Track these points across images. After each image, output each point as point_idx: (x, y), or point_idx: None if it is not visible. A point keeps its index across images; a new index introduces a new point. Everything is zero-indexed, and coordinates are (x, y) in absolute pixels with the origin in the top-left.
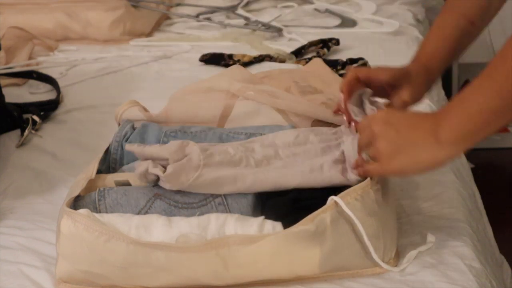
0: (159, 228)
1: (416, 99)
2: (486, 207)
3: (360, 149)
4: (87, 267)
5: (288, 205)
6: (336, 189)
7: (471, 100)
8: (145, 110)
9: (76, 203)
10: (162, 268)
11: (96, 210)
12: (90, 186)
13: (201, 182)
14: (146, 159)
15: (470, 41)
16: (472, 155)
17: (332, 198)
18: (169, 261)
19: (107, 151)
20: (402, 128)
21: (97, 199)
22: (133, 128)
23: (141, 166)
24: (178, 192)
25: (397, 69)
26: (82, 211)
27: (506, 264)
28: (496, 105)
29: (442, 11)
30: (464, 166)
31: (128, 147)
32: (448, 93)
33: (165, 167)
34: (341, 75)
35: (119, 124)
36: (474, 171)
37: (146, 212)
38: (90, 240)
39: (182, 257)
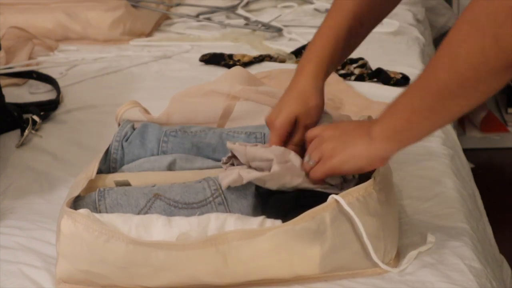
0: (159, 228)
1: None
2: (486, 207)
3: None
4: (87, 267)
5: (290, 203)
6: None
7: (398, 100)
8: (146, 111)
9: (76, 203)
10: (162, 267)
11: (96, 210)
12: (90, 186)
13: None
14: (247, 159)
15: (357, 43)
16: (472, 155)
17: (332, 197)
18: (169, 260)
19: (107, 151)
20: (345, 129)
21: (97, 199)
22: (133, 128)
23: (232, 174)
24: (178, 192)
25: (289, 112)
26: (82, 211)
27: (506, 264)
28: (417, 105)
29: (332, 10)
30: (464, 166)
31: (229, 145)
32: None
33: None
34: (341, 75)
35: (119, 125)
36: (474, 171)
37: (146, 212)
38: (90, 240)
39: (182, 255)
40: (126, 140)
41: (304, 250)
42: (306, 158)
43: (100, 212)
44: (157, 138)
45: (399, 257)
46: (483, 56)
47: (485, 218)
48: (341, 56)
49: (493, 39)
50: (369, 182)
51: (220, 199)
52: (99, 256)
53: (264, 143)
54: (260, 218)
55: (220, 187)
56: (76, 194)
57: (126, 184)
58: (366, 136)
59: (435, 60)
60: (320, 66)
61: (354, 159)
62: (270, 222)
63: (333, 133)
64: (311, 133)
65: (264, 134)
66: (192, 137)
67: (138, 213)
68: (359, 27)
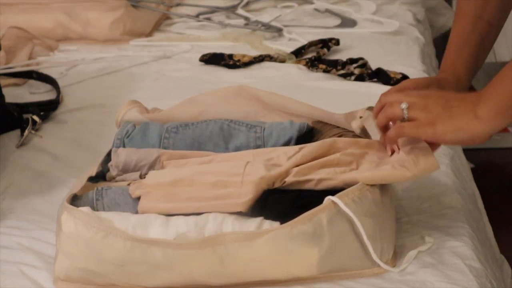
0: (156, 228)
1: None
2: (486, 207)
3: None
4: (85, 264)
5: (289, 204)
6: (335, 191)
7: (507, 76)
8: (146, 109)
9: (73, 202)
10: (159, 265)
11: (94, 209)
12: (90, 188)
13: None
14: None
15: (491, 42)
16: (472, 155)
17: (329, 198)
18: (166, 258)
19: (109, 154)
20: (450, 98)
21: (94, 198)
22: (134, 126)
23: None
24: None
25: (426, 78)
26: (83, 208)
27: (506, 264)
28: None
29: (457, 17)
30: (464, 166)
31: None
32: None
33: None
34: (341, 75)
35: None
36: (474, 171)
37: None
38: (88, 237)
39: (179, 254)
40: (128, 137)
41: (301, 252)
42: (403, 106)
43: (97, 211)
44: (159, 134)
45: (396, 257)
46: None
47: (485, 218)
48: (476, 61)
49: None
50: (362, 184)
51: None
52: (97, 254)
53: (264, 137)
54: (258, 220)
55: None
56: (76, 190)
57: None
58: (471, 112)
59: None
60: (455, 75)
61: (459, 132)
62: (268, 224)
63: (433, 99)
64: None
65: (263, 129)
66: (193, 129)
67: (136, 213)
68: (488, 27)
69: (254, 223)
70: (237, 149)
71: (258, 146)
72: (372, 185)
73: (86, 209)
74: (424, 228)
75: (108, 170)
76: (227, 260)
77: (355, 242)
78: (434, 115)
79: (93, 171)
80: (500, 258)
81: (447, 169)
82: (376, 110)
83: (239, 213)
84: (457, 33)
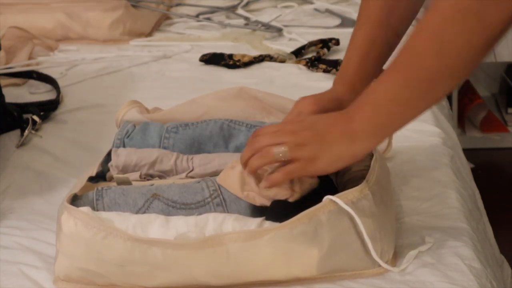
0: (156, 228)
1: None
2: (486, 207)
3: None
4: (85, 264)
5: (290, 206)
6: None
7: (379, 92)
8: (146, 109)
9: (73, 202)
10: (159, 265)
11: (94, 209)
12: (90, 188)
13: None
14: None
15: (391, 53)
16: (472, 155)
17: (328, 197)
18: (166, 259)
19: (109, 154)
20: (320, 128)
21: (94, 199)
22: (134, 126)
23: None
24: (176, 192)
25: (326, 99)
26: (83, 208)
27: (506, 264)
28: (404, 96)
29: (362, 19)
30: (464, 166)
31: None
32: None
33: None
34: None
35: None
36: (474, 171)
37: (144, 212)
38: (88, 237)
39: (179, 254)
40: (128, 137)
41: (301, 253)
42: (283, 149)
43: (97, 211)
44: (159, 134)
45: (396, 258)
46: (470, 35)
47: (485, 218)
48: (377, 71)
49: (476, 18)
50: (364, 184)
51: (219, 200)
52: (97, 254)
53: None
54: (259, 220)
55: (219, 188)
56: (76, 190)
57: (127, 181)
58: (346, 135)
59: (413, 44)
60: (352, 86)
61: (338, 161)
62: (268, 224)
63: (305, 134)
64: (269, 128)
65: None
66: (194, 129)
67: (136, 213)
68: (395, 37)
69: (255, 223)
70: (237, 148)
71: None
72: (373, 186)
73: (86, 209)
74: (424, 228)
75: (108, 170)
76: (227, 261)
77: (355, 242)
78: (313, 152)
79: (93, 171)
80: (500, 258)
81: (447, 169)
82: (246, 157)
83: (239, 214)
84: (362, 38)
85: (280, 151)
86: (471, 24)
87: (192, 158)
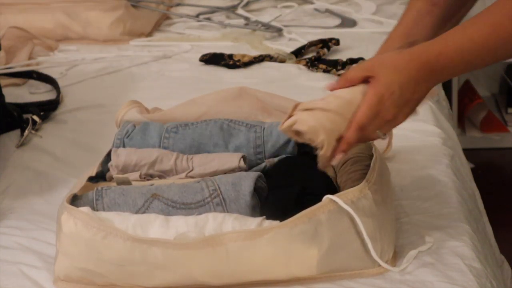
0: (156, 228)
1: None
2: (486, 207)
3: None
4: (85, 264)
5: (289, 201)
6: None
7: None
8: (146, 109)
9: (73, 202)
10: (158, 265)
11: (94, 209)
12: (90, 188)
13: None
14: None
15: (433, 21)
16: (472, 155)
17: (327, 197)
18: (165, 258)
19: (109, 154)
20: (406, 98)
21: (94, 199)
22: (134, 126)
23: None
24: (176, 192)
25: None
26: (83, 208)
27: (506, 264)
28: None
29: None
30: (464, 166)
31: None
32: (448, 93)
33: None
34: (341, 75)
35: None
36: (474, 171)
37: (143, 212)
38: (88, 237)
39: (179, 254)
40: (128, 136)
41: (301, 253)
42: (379, 134)
43: (97, 211)
44: (159, 134)
45: (396, 257)
46: None
47: (485, 218)
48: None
49: None
50: (364, 184)
51: (218, 200)
52: (97, 254)
53: (264, 137)
54: (259, 219)
55: (219, 188)
56: (76, 190)
57: (126, 182)
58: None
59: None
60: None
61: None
62: (268, 223)
63: (390, 108)
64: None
65: (263, 129)
66: (194, 129)
67: (136, 213)
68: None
69: (255, 223)
70: (237, 148)
71: (257, 146)
72: (373, 186)
73: (86, 209)
74: (424, 228)
75: (108, 170)
76: (227, 260)
77: (355, 242)
78: (393, 117)
79: (93, 171)
80: (500, 258)
81: (447, 169)
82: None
83: (238, 213)
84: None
85: (379, 135)
86: None
87: (192, 158)
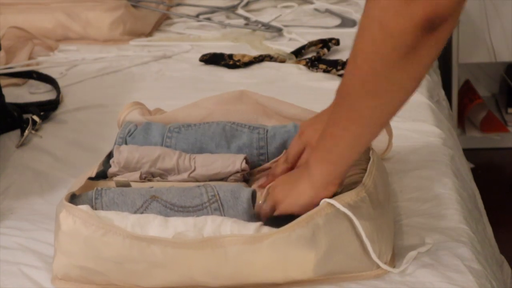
0: (155, 227)
1: None
2: (486, 207)
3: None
4: (83, 262)
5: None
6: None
7: (333, 137)
8: (149, 111)
9: (72, 201)
10: (157, 264)
11: (93, 208)
12: (89, 186)
13: None
14: None
15: None
16: (472, 155)
17: (325, 200)
18: (164, 257)
19: (110, 154)
20: (292, 173)
21: (93, 198)
22: (136, 126)
23: None
24: (175, 195)
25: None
26: (82, 206)
27: (506, 264)
28: (334, 116)
29: None
30: (464, 166)
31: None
32: (448, 93)
33: None
34: (341, 75)
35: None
36: (474, 171)
37: (142, 213)
38: (87, 235)
39: (178, 253)
40: (130, 135)
41: (299, 256)
42: (261, 201)
43: (96, 210)
44: (161, 134)
45: (394, 259)
46: (374, 45)
47: (485, 218)
48: None
49: (379, 25)
50: (360, 187)
51: (217, 205)
52: (96, 251)
53: (267, 139)
54: (257, 224)
55: (218, 193)
56: (75, 189)
57: (126, 185)
58: (305, 170)
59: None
60: None
61: (300, 197)
62: (266, 229)
63: (282, 179)
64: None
65: (267, 131)
66: (196, 130)
67: (135, 213)
68: None
69: (253, 227)
70: (240, 149)
71: (260, 147)
72: (370, 188)
73: (85, 207)
74: (424, 230)
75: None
76: (226, 262)
77: (353, 244)
78: (280, 195)
79: (93, 172)
80: (500, 258)
81: (447, 169)
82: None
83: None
84: None
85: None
86: (375, 31)
87: (194, 158)
